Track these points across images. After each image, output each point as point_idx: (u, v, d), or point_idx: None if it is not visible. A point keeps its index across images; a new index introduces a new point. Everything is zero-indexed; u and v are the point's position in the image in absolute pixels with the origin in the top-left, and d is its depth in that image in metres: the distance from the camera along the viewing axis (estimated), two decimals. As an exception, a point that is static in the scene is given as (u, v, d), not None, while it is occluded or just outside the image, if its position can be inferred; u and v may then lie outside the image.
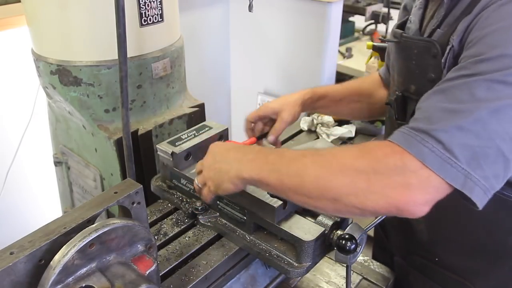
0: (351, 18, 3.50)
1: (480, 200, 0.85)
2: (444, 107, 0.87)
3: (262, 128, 1.44)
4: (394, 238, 1.48)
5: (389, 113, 1.33)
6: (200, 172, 1.16)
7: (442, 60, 1.04)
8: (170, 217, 1.31)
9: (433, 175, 0.83)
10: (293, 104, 1.40)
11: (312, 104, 1.47)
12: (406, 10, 1.32)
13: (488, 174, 0.84)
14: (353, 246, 1.03)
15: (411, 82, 1.19)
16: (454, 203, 1.13)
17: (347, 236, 1.04)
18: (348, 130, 1.84)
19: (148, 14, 1.40)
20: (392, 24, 3.22)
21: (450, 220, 1.20)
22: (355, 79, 1.70)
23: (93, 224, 0.82)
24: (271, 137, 1.39)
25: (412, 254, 1.38)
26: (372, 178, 0.85)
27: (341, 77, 3.15)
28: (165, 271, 1.12)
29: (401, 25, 1.28)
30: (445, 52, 1.03)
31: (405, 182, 0.83)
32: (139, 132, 1.50)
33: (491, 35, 0.89)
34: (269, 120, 1.43)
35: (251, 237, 1.18)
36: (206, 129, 1.41)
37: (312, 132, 1.91)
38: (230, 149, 1.10)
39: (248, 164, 1.02)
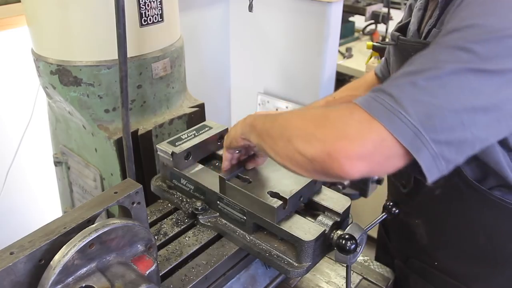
0: (351, 18, 3.51)
1: (427, 167, 0.78)
2: (406, 71, 0.84)
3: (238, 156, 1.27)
4: (394, 241, 1.48)
5: None
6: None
7: None
8: (170, 217, 1.31)
9: (377, 125, 0.78)
10: None
11: None
12: (411, 10, 1.32)
13: (440, 138, 0.78)
14: (353, 246, 1.03)
15: None
16: (453, 208, 1.14)
17: (347, 236, 1.04)
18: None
19: (148, 14, 1.40)
20: (392, 24, 3.22)
21: (450, 225, 1.20)
22: (348, 85, 1.66)
23: (93, 224, 0.82)
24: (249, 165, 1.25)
25: (411, 258, 1.37)
26: (320, 124, 0.84)
27: (341, 77, 3.15)
28: (165, 271, 1.12)
29: (403, 27, 1.27)
30: None
31: (345, 131, 0.80)
32: (139, 132, 1.50)
33: (464, 9, 0.87)
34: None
35: (251, 237, 1.18)
36: (206, 129, 1.41)
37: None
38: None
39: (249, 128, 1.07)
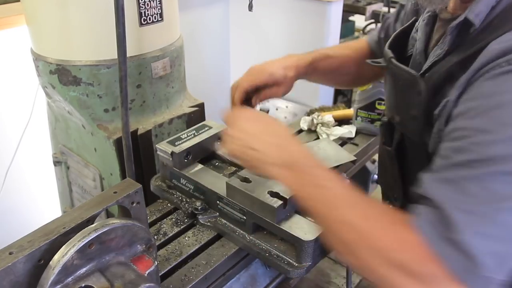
0: (351, 18, 3.50)
1: None
2: (462, 209, 0.76)
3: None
4: None
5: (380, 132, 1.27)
6: (226, 139, 1.08)
7: (435, 112, 0.94)
8: (169, 217, 1.31)
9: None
10: (291, 76, 1.33)
11: (309, 70, 1.38)
12: (399, 14, 1.26)
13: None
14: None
15: (395, 112, 1.11)
16: None
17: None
18: (348, 131, 1.84)
19: (148, 14, 1.39)
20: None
21: None
22: (344, 44, 1.58)
23: (92, 224, 0.82)
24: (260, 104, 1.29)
25: None
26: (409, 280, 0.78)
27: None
28: (164, 271, 1.12)
29: (401, 37, 1.17)
30: (436, 100, 0.94)
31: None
32: (139, 132, 1.50)
33: (498, 109, 0.77)
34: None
35: (251, 237, 1.18)
36: (206, 128, 1.41)
37: (312, 132, 1.91)
38: (263, 132, 1.03)
39: (285, 172, 0.95)
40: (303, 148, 0.99)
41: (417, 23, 1.15)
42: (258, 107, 1.33)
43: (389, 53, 1.11)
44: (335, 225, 0.87)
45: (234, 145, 1.04)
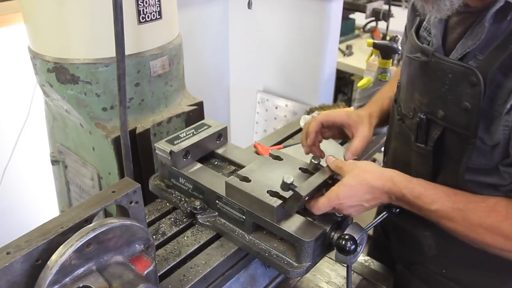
0: (351, 15, 3.50)
1: None
2: None
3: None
4: (397, 247, 1.45)
5: (400, 129, 1.27)
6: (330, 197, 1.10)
7: (508, 106, 0.96)
8: (168, 217, 1.31)
9: None
10: (368, 118, 1.35)
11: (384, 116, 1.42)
12: (416, 11, 1.24)
13: None
14: (353, 247, 1.03)
15: (440, 107, 1.09)
16: None
17: (347, 237, 1.04)
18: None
19: (146, 11, 1.39)
20: (393, 21, 3.22)
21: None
22: (391, 81, 1.59)
23: (90, 223, 0.82)
24: (348, 155, 1.29)
25: (416, 265, 1.35)
26: None
27: (341, 74, 3.15)
28: (163, 271, 1.12)
29: (416, 33, 1.19)
30: (488, 84, 0.97)
31: None
32: (137, 131, 1.50)
33: None
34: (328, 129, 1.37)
35: (250, 237, 1.18)
36: (205, 127, 1.41)
37: (312, 130, 1.91)
38: (375, 193, 1.10)
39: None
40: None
41: (425, 22, 1.18)
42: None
43: (428, 48, 1.11)
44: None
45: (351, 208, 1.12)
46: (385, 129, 1.52)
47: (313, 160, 1.25)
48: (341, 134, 1.39)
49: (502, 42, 0.96)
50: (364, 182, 1.09)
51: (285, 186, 1.11)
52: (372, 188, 1.09)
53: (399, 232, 1.39)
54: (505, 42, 0.96)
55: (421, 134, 1.15)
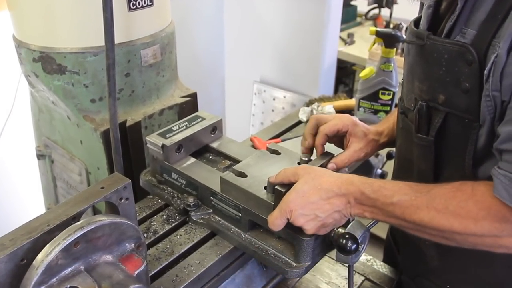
0: (353, 2, 3.51)
1: None
2: None
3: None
4: (402, 258, 1.45)
5: (403, 124, 1.27)
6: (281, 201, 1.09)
7: (485, 72, 0.97)
8: (160, 214, 1.31)
9: None
10: (373, 135, 1.35)
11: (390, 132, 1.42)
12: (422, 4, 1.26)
13: None
14: (354, 246, 1.03)
15: (440, 91, 1.09)
16: None
17: (347, 236, 1.04)
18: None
19: (137, -3, 1.39)
20: (396, 8, 3.22)
21: (465, 250, 1.16)
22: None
23: (78, 221, 0.82)
24: (331, 165, 1.27)
25: (421, 277, 1.35)
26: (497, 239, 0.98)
27: (342, 64, 3.15)
28: (155, 271, 1.12)
29: (418, 22, 1.21)
30: (487, 61, 0.97)
31: None
32: (127, 124, 1.49)
33: None
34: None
35: (246, 235, 1.18)
36: (199, 120, 1.41)
37: (311, 123, 1.91)
38: (330, 198, 1.06)
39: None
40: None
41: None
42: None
43: (424, 32, 1.12)
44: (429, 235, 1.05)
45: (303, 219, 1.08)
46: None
47: (302, 158, 1.26)
48: (341, 143, 1.37)
49: (489, 14, 0.97)
50: (319, 186, 1.05)
51: None
52: (327, 192, 1.05)
53: (404, 242, 1.39)
54: (493, 13, 0.96)
55: (422, 124, 1.15)
